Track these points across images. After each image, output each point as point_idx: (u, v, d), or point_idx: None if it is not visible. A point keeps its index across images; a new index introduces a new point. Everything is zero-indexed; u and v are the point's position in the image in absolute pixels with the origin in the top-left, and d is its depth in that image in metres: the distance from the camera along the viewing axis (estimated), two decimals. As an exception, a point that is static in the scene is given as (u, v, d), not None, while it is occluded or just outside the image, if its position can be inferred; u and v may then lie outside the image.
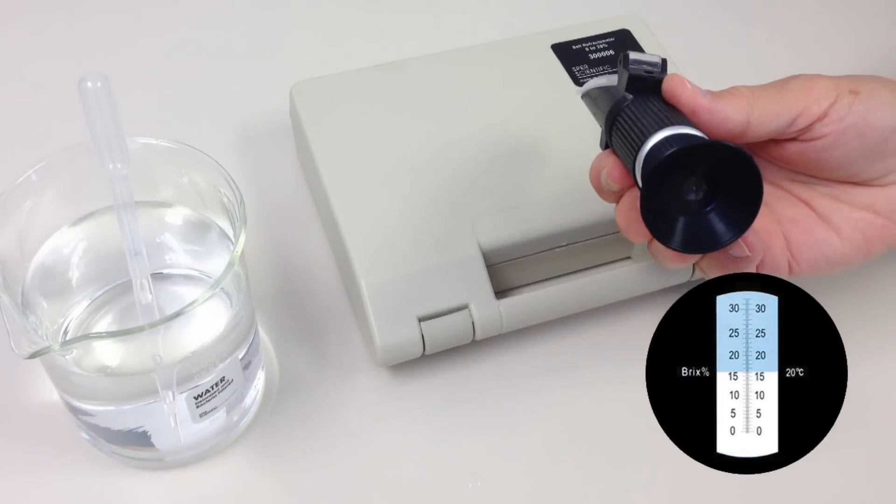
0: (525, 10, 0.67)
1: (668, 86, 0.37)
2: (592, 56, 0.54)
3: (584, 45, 0.55)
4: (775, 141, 0.39)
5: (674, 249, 0.35)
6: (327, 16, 0.66)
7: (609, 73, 0.53)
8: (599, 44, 0.55)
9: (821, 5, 0.68)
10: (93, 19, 0.65)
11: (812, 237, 0.40)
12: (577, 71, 0.54)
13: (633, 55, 0.38)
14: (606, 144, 0.40)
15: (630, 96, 0.38)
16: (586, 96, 0.42)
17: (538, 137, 0.50)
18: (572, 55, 0.55)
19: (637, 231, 0.38)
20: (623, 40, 0.56)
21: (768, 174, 0.42)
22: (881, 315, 0.50)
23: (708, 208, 0.35)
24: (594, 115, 0.42)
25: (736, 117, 0.37)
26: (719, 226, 0.35)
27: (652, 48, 0.55)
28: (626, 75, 0.38)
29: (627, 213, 0.39)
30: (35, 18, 0.65)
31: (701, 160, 0.34)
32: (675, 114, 0.36)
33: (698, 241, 0.35)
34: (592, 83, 0.41)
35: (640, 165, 0.35)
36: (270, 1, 0.67)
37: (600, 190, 0.40)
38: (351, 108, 0.51)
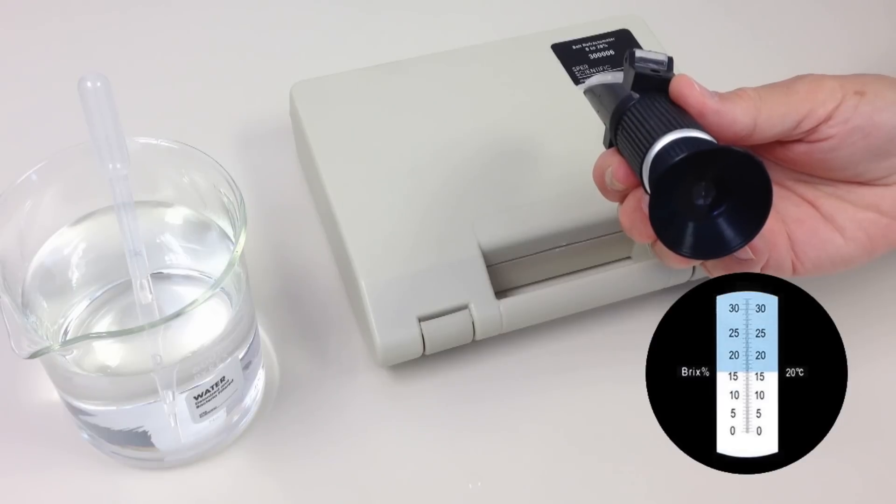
0: (525, 10, 0.67)
1: (675, 86, 0.37)
2: (592, 56, 0.54)
3: (584, 45, 0.55)
4: (780, 142, 0.39)
5: (683, 255, 0.35)
6: (327, 16, 0.66)
7: (613, 70, 0.53)
8: (599, 44, 0.55)
9: (820, 5, 0.68)
10: (93, 19, 0.65)
11: (816, 237, 0.40)
12: (577, 71, 0.54)
13: (639, 53, 0.38)
14: (611, 143, 0.40)
15: (636, 95, 0.37)
16: (589, 92, 0.42)
17: (538, 137, 0.50)
18: (572, 55, 0.55)
19: (641, 232, 0.38)
20: (623, 40, 0.56)
21: (773, 174, 0.42)
22: (881, 315, 0.50)
23: (716, 213, 0.35)
24: (597, 111, 0.41)
25: (743, 120, 0.37)
26: (728, 231, 0.35)
27: (652, 48, 0.55)
28: (631, 73, 0.37)
29: (632, 214, 0.39)
30: (35, 18, 0.65)
31: (712, 165, 0.34)
32: (683, 115, 0.36)
33: (707, 247, 0.35)
34: (596, 79, 0.41)
35: (648, 168, 0.35)
36: (270, 1, 0.67)
37: (604, 189, 0.40)
38: (351, 108, 0.51)
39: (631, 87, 0.38)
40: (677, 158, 0.33)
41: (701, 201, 0.35)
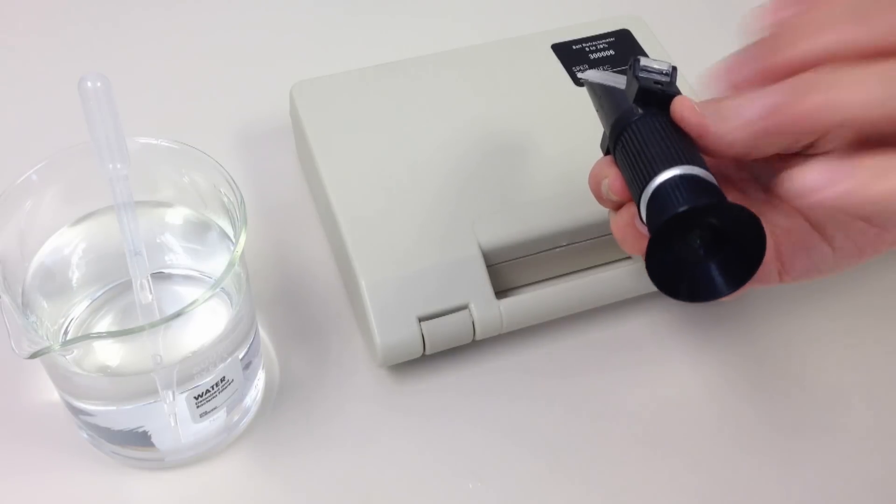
0: (525, 10, 0.67)
1: (676, 110, 0.36)
2: (592, 56, 0.54)
3: (584, 45, 0.55)
4: (779, 154, 0.39)
5: (678, 299, 0.35)
6: (328, 15, 0.66)
7: (614, 70, 0.53)
8: (599, 44, 0.55)
9: (821, 5, 0.68)
10: (92, 19, 0.65)
11: (804, 247, 0.40)
12: (577, 71, 0.54)
13: (643, 62, 0.37)
14: (608, 150, 0.40)
15: (639, 111, 0.37)
16: (589, 87, 0.41)
17: (538, 137, 0.50)
18: (572, 55, 0.55)
19: (632, 245, 0.39)
20: (623, 40, 0.56)
21: (765, 184, 0.42)
22: (882, 315, 0.50)
23: (709, 258, 0.35)
24: (596, 110, 0.41)
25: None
26: (719, 278, 0.35)
27: (652, 48, 0.55)
28: (635, 85, 0.37)
29: (624, 228, 0.39)
30: (35, 19, 0.65)
31: (711, 216, 0.34)
32: (683, 141, 0.36)
33: (699, 293, 0.35)
34: (597, 76, 0.40)
35: (646, 202, 0.35)
36: (271, 1, 0.67)
37: (599, 197, 0.40)
38: (351, 108, 0.51)
39: (633, 100, 0.38)
40: (677, 211, 0.33)
41: (696, 245, 0.35)
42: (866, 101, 0.32)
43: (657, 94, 0.37)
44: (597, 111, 0.41)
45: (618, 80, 0.40)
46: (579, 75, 0.43)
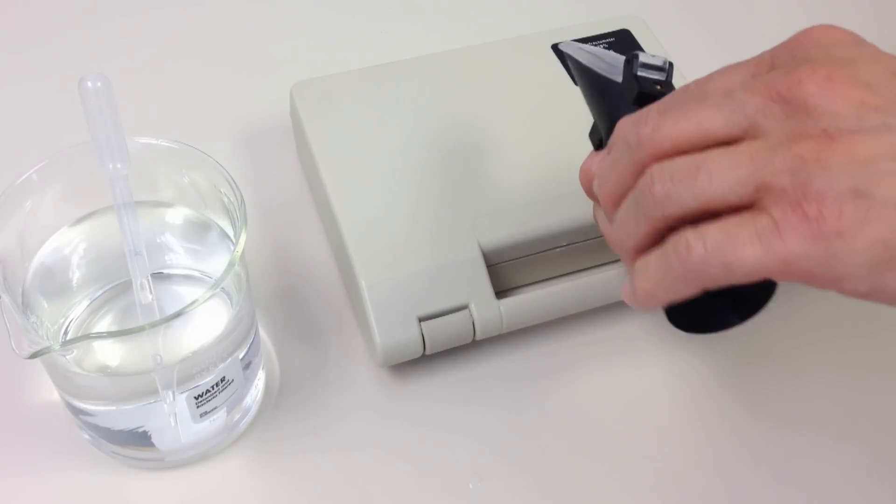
0: (525, 10, 0.67)
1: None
2: (592, 56, 0.54)
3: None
4: None
5: (689, 332, 0.35)
6: (328, 15, 0.66)
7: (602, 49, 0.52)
8: (599, 44, 0.55)
9: (822, 6, 0.68)
10: (92, 18, 0.65)
11: None
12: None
13: (642, 59, 0.37)
14: (600, 142, 0.39)
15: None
16: (570, 59, 0.41)
17: (538, 138, 0.50)
18: (572, 55, 0.55)
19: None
20: (623, 40, 0.56)
21: None
22: (884, 318, 0.50)
23: (720, 294, 0.33)
24: (583, 92, 0.40)
25: None
26: (729, 313, 0.34)
27: (652, 48, 0.55)
28: (635, 87, 0.37)
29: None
30: (36, 19, 0.65)
31: None
32: None
33: (707, 324, 0.35)
34: (581, 54, 0.40)
35: None
36: (271, 1, 0.67)
37: (590, 193, 0.40)
38: (351, 108, 0.51)
39: (632, 102, 0.37)
40: None
41: None
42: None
43: (657, 98, 0.37)
44: (583, 94, 0.41)
45: (602, 64, 0.39)
46: (560, 46, 0.42)
